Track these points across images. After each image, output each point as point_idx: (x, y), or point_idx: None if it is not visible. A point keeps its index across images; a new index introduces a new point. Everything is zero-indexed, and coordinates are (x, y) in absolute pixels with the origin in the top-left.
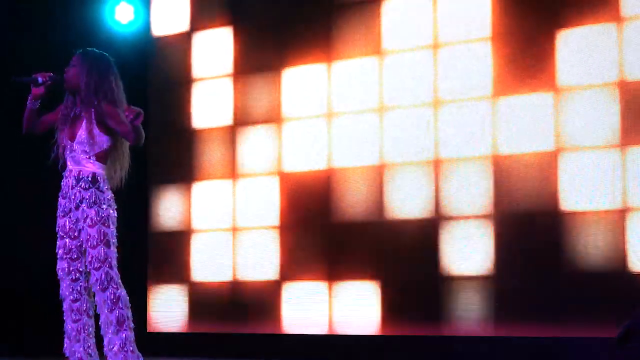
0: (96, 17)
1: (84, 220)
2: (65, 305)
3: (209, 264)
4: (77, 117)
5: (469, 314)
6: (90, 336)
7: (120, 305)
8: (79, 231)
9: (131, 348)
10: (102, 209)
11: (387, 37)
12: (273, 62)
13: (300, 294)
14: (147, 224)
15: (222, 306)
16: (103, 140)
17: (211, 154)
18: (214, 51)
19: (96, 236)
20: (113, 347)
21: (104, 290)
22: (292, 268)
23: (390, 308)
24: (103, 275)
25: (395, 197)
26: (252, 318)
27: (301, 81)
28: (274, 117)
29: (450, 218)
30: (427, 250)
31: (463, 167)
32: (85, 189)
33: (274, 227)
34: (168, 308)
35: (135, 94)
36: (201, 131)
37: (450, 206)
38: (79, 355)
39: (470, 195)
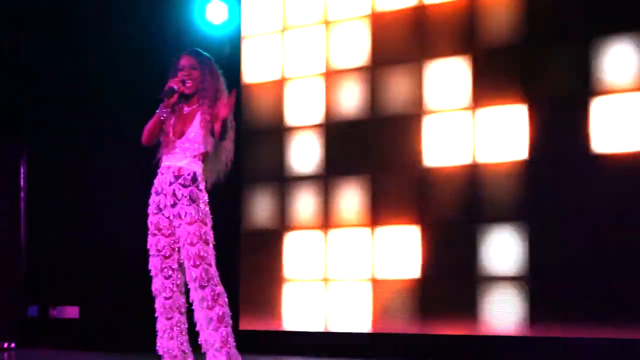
0: (187, 18)
1: (182, 217)
2: (157, 303)
3: (300, 262)
4: (185, 115)
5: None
6: (184, 333)
7: (220, 302)
8: (174, 228)
9: (234, 344)
10: (200, 207)
11: (478, 37)
12: (365, 59)
13: (391, 293)
14: (239, 222)
15: (315, 304)
16: (210, 143)
17: (303, 152)
18: (306, 50)
19: (195, 234)
20: (214, 344)
21: (202, 287)
22: (384, 267)
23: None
24: (202, 273)
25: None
26: (344, 317)
27: (395, 79)
28: (365, 115)
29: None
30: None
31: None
32: (185, 187)
33: (366, 226)
34: (260, 306)
35: (227, 94)
36: (293, 130)
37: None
38: (173, 353)
39: None
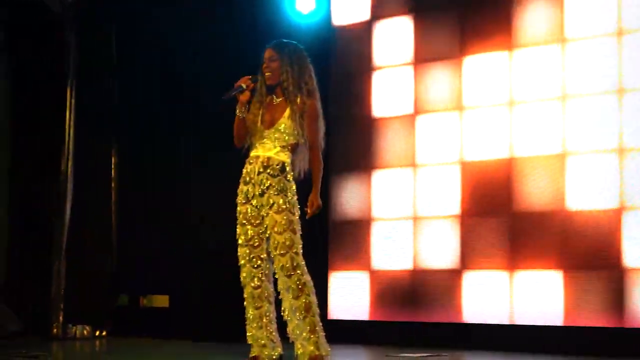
0: (277, 8)
1: (270, 206)
2: (246, 292)
3: (389, 252)
4: (274, 107)
5: None
6: (272, 322)
7: (306, 291)
8: (262, 218)
9: (322, 333)
10: (288, 197)
11: (569, 26)
12: (453, 50)
13: (480, 283)
14: (327, 212)
15: (403, 295)
16: (300, 134)
17: (391, 143)
18: (395, 40)
19: (283, 223)
20: (302, 333)
21: (289, 276)
22: (472, 257)
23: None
24: (289, 262)
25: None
26: (432, 307)
27: (482, 69)
28: (454, 106)
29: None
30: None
31: None
32: (273, 176)
33: (455, 216)
34: (348, 296)
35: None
36: (381, 120)
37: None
38: (262, 342)
39: None
